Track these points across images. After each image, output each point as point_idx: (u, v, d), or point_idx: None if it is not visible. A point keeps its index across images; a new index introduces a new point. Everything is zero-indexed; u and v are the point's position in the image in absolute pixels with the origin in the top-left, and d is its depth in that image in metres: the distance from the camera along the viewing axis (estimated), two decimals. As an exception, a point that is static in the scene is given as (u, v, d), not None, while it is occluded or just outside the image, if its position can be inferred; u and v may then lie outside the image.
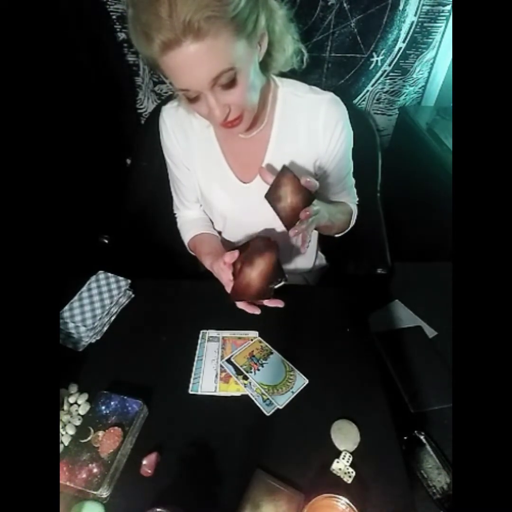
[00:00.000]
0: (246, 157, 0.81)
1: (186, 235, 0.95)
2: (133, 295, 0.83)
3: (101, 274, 0.83)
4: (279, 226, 0.86)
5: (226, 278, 0.70)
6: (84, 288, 0.80)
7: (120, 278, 0.82)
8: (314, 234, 1.02)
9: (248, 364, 0.71)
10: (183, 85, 0.60)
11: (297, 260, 1.02)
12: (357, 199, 0.97)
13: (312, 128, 0.77)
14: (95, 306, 0.77)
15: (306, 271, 1.07)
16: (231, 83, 0.60)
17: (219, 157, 0.82)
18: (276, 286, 0.67)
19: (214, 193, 0.86)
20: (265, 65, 0.70)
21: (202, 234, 0.92)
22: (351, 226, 0.95)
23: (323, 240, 1.05)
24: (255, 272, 0.67)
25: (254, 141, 0.79)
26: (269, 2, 0.64)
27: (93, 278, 0.82)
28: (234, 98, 0.62)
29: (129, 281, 0.82)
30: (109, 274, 0.83)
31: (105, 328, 0.77)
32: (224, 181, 0.83)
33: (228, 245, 0.99)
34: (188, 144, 0.82)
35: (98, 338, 0.76)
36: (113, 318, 0.79)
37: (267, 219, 0.84)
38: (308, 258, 1.05)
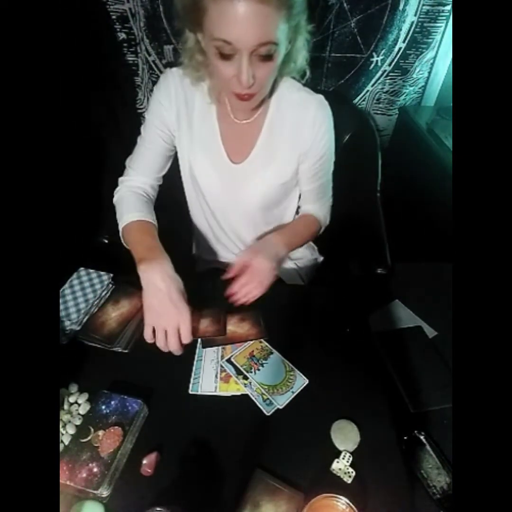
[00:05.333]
0: (240, 140, 0.85)
1: (129, 213, 0.82)
2: (113, 287, 0.83)
3: (82, 271, 0.84)
4: (258, 209, 0.91)
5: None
6: (66, 285, 0.81)
7: (102, 273, 0.83)
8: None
9: (248, 364, 0.71)
10: (229, 37, 0.61)
11: None
12: (330, 204, 1.00)
13: (300, 123, 0.82)
14: (78, 301, 0.78)
15: (297, 259, 1.09)
16: (268, 58, 0.64)
17: (215, 135, 0.85)
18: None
19: (203, 168, 0.88)
20: None
21: (150, 223, 0.82)
22: (322, 230, 1.00)
23: (321, 238, 1.05)
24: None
25: (249, 126, 0.83)
26: (305, 16, 0.69)
27: (74, 275, 0.83)
28: (263, 73, 0.66)
29: (111, 275, 0.83)
30: (91, 270, 0.84)
31: (86, 319, 0.77)
32: (215, 158, 0.86)
33: (201, 231, 1.03)
34: (187, 113, 0.83)
35: (79, 328, 0.75)
36: (95, 310, 0.79)
37: (248, 202, 0.90)
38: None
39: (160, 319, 0.66)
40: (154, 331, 0.67)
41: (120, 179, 0.90)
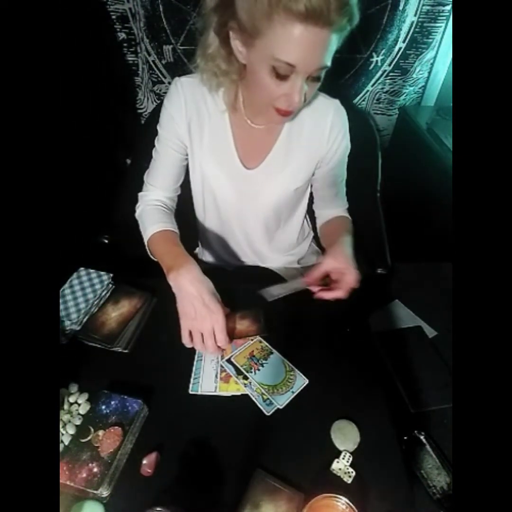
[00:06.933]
0: (255, 145, 0.84)
1: (151, 226, 0.83)
2: (112, 287, 0.83)
3: (82, 271, 0.84)
4: (271, 214, 0.91)
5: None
6: (66, 285, 0.81)
7: (102, 273, 0.83)
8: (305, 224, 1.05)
9: (248, 364, 0.71)
10: (294, 60, 0.60)
11: (288, 247, 1.04)
12: (347, 206, 1.00)
13: (319, 128, 0.82)
14: (78, 301, 0.78)
15: (299, 258, 1.08)
16: (317, 79, 0.66)
17: (228, 142, 0.83)
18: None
19: (215, 175, 0.87)
20: None
21: (173, 232, 0.84)
22: None
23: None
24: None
25: (266, 131, 0.83)
26: None
27: (74, 274, 0.83)
28: (310, 92, 0.68)
29: (111, 275, 0.83)
30: (91, 270, 0.84)
31: (86, 319, 0.77)
32: (228, 165, 0.85)
33: (207, 234, 1.01)
34: (198, 122, 0.82)
35: (79, 328, 0.76)
36: (95, 310, 0.79)
37: (261, 206, 0.89)
38: (299, 246, 1.07)
39: (194, 322, 0.68)
40: (191, 334, 0.69)
41: (140, 194, 0.91)
